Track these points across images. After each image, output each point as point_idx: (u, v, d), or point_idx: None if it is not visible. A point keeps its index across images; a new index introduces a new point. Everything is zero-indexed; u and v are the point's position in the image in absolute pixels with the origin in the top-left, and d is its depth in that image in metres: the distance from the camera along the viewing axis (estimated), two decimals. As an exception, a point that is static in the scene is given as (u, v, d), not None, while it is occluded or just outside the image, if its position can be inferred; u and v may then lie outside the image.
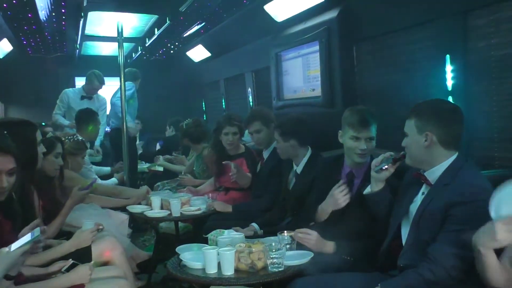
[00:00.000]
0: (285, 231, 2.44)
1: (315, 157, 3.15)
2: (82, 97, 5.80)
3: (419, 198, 2.10)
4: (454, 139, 2.04)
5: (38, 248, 1.82)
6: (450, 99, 2.70)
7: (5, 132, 2.15)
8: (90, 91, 5.84)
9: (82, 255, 2.51)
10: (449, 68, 2.71)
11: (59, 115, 5.75)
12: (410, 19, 3.06)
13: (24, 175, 2.30)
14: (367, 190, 2.34)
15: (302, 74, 4.35)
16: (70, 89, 6.08)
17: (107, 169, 5.02)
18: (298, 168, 3.19)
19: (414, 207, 2.10)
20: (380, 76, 3.50)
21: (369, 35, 3.52)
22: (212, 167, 4.24)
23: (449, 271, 1.84)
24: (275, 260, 2.17)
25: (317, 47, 3.97)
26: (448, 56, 2.71)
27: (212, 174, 4.30)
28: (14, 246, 1.72)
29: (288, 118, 3.24)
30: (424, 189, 2.10)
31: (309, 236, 2.39)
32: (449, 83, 2.72)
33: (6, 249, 1.71)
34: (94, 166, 4.83)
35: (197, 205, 3.57)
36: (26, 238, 1.75)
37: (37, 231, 1.80)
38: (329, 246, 2.41)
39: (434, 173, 2.05)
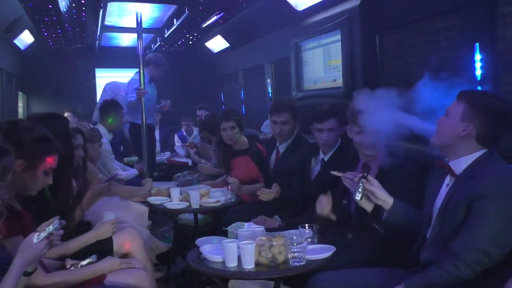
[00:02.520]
0: (306, 225, 2.40)
1: (345, 146, 3.07)
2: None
3: (443, 191, 2.04)
4: (491, 140, 1.96)
5: (57, 240, 1.82)
6: (479, 89, 2.61)
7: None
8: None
9: (104, 247, 2.53)
10: (478, 57, 2.62)
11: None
12: (436, 7, 2.96)
13: (64, 170, 2.34)
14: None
15: (322, 64, 4.28)
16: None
17: (134, 171, 5.03)
18: (326, 156, 3.12)
19: (439, 200, 2.04)
20: (404, 66, 3.40)
21: (393, 24, 3.43)
22: (220, 165, 4.26)
23: (473, 266, 1.79)
24: (296, 254, 2.13)
25: (338, 37, 3.89)
26: (477, 45, 2.62)
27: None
28: (37, 238, 1.73)
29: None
30: (448, 180, 2.03)
31: (371, 183, 2.19)
32: (478, 72, 2.62)
33: (33, 239, 1.73)
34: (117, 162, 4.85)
35: (216, 197, 3.55)
36: (47, 230, 1.76)
37: (55, 223, 1.81)
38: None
39: (460, 164, 1.98)
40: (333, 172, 2.35)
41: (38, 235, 1.73)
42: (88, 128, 3.88)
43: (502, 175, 1.86)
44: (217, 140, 4.15)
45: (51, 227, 1.77)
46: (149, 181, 3.86)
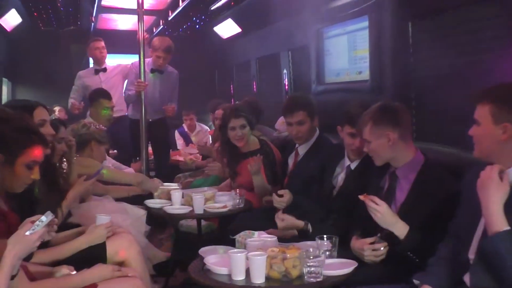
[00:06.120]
0: (325, 236, 2.40)
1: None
2: (96, 71, 5.84)
3: None
4: None
5: (52, 232, 1.92)
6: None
7: None
8: (99, 59, 5.86)
9: (96, 253, 2.56)
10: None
11: (74, 99, 5.76)
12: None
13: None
14: None
15: (347, 55, 4.29)
16: (83, 70, 6.16)
17: (129, 170, 5.13)
18: (353, 164, 3.05)
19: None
20: (439, 58, 3.39)
21: (428, 11, 3.42)
22: (225, 169, 4.28)
23: None
24: (312, 269, 2.14)
25: (366, 24, 3.90)
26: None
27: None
28: (29, 231, 1.82)
29: None
30: None
31: (376, 206, 2.26)
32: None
33: (26, 232, 1.81)
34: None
35: (223, 202, 3.57)
36: (39, 222, 1.84)
37: (48, 213, 1.87)
38: (401, 226, 2.28)
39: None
40: (360, 197, 2.34)
41: (32, 228, 1.81)
42: (97, 127, 3.96)
43: None
44: (222, 141, 4.16)
45: (44, 219, 1.85)
46: (156, 181, 3.87)
